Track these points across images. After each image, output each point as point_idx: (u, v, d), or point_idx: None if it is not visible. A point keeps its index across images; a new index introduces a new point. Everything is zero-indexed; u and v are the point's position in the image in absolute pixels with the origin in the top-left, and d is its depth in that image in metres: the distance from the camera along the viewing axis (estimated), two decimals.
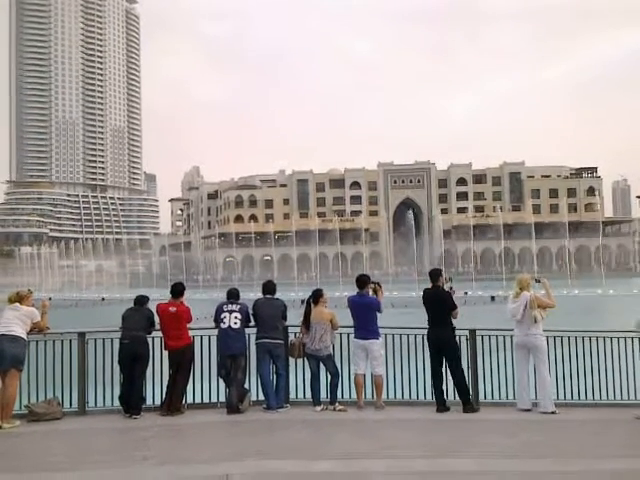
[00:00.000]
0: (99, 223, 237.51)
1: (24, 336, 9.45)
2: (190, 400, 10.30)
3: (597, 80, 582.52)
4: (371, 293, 10.45)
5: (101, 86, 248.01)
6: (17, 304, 9.61)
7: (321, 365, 10.27)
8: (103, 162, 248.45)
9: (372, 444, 8.25)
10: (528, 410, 10.11)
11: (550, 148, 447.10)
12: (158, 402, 10.15)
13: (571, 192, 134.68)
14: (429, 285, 10.60)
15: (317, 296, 10.44)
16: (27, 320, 9.58)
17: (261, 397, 10.25)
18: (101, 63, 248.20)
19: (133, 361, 9.78)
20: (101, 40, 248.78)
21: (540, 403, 10.08)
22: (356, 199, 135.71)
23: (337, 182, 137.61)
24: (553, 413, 9.90)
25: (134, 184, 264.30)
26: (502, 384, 10.62)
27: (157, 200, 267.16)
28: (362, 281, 10.43)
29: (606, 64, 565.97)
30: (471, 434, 9.09)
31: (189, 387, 10.17)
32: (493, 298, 48.78)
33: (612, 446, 8.33)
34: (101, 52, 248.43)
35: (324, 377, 10.31)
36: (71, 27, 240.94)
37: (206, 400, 10.40)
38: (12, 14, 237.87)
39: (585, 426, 9.74)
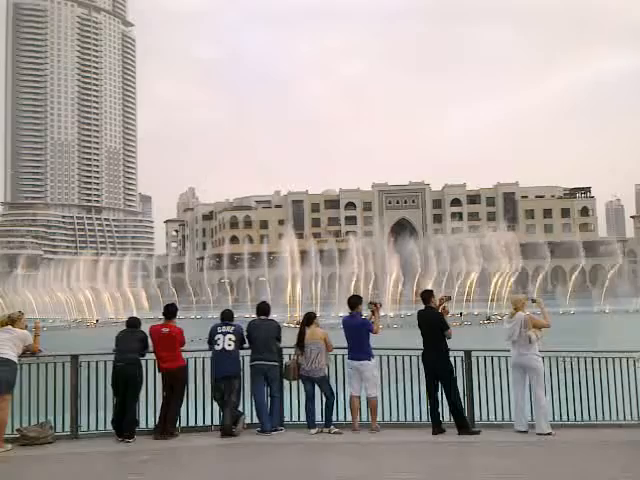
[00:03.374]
0: (94, 245, 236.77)
1: (15, 359, 9.35)
2: (184, 423, 10.20)
3: (591, 99, 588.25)
4: (368, 314, 10.44)
5: (97, 108, 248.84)
6: (9, 327, 9.53)
7: (316, 387, 10.21)
8: (98, 184, 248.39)
9: (368, 467, 8.16)
10: (524, 432, 10.04)
11: (543, 168, 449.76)
12: (151, 425, 10.03)
13: (565, 212, 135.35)
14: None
15: (310, 319, 10.45)
16: (19, 343, 9.49)
17: (255, 420, 10.16)
18: (97, 85, 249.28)
19: (126, 384, 9.69)
20: (97, 62, 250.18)
21: (536, 425, 10.01)
22: (351, 219, 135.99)
23: (332, 203, 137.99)
24: (549, 434, 9.83)
25: (129, 205, 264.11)
26: (498, 405, 10.56)
27: (152, 221, 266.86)
28: (353, 302, 10.42)
29: (600, 83, 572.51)
30: (468, 456, 9.02)
31: (183, 410, 10.08)
32: (489, 318, 48.69)
33: (608, 468, 8.26)
34: (97, 74, 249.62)
35: (319, 399, 10.24)
36: (67, 49, 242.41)
37: (200, 423, 10.30)
38: (9, 35, 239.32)
39: (581, 448, 9.66)
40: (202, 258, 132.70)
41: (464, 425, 10.00)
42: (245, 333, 10.29)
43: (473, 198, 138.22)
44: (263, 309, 10.57)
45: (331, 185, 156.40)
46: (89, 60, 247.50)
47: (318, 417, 10.19)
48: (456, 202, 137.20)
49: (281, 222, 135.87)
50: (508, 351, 10.33)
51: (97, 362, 10.09)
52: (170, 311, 10.28)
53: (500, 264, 74.70)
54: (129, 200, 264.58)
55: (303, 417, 10.31)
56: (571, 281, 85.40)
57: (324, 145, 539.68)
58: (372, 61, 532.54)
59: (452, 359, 10.25)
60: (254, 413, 10.16)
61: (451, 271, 75.82)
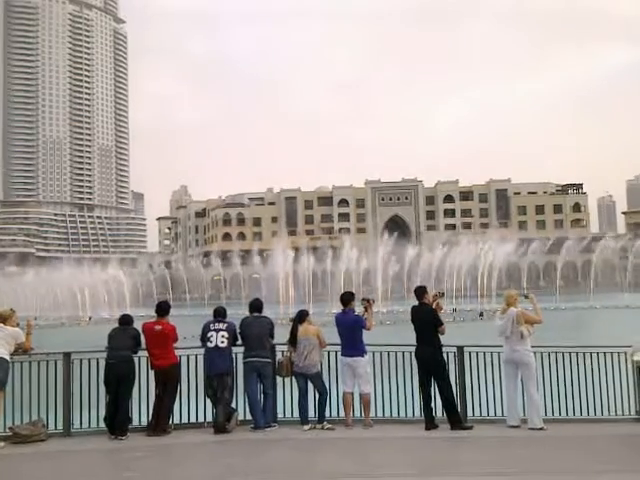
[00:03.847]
0: (86, 242, 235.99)
1: (7, 357, 9.32)
2: (177, 420, 10.19)
3: (583, 95, 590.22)
4: (361, 310, 10.45)
5: (88, 105, 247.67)
6: (1, 325, 9.49)
7: (309, 384, 10.22)
8: (90, 181, 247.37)
9: (360, 463, 8.18)
10: (517, 427, 10.08)
11: (536, 164, 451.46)
12: (144, 422, 10.02)
13: (557, 208, 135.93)
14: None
15: (302, 316, 10.47)
16: (11, 341, 9.46)
17: (248, 416, 10.16)
18: (88, 82, 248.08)
19: (119, 381, 9.67)
20: (88, 59, 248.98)
21: (528, 419, 10.06)
22: (344, 216, 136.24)
23: (325, 200, 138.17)
24: (541, 429, 9.88)
25: (122, 203, 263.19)
26: (491, 401, 10.60)
27: (145, 219, 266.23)
28: (345, 299, 10.44)
29: (593, 79, 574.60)
30: (460, 451, 9.05)
31: (176, 407, 10.07)
32: (482, 314, 48.82)
33: (600, 462, 8.31)
34: (88, 71, 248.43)
35: (312, 396, 10.25)
36: (59, 46, 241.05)
37: (193, 420, 10.30)
38: (0, 32, 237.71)
39: (573, 442, 9.71)
40: (194, 255, 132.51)
41: (457, 420, 10.03)
42: (238, 330, 10.29)
43: (466, 195, 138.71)
44: (256, 306, 10.56)
45: (324, 182, 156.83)
46: (80, 57, 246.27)
47: (311, 413, 10.21)
48: (449, 199, 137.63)
49: (274, 219, 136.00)
50: (500, 347, 10.37)
51: (90, 360, 10.06)
52: (163, 308, 10.26)
53: (493, 260, 74.98)
54: (121, 198, 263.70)
55: (296, 413, 10.31)
56: (558, 272, 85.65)
57: (317, 142, 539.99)
58: (365, 58, 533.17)
59: (445, 355, 10.29)
60: (247, 410, 10.16)
61: (443, 267, 76.06)
